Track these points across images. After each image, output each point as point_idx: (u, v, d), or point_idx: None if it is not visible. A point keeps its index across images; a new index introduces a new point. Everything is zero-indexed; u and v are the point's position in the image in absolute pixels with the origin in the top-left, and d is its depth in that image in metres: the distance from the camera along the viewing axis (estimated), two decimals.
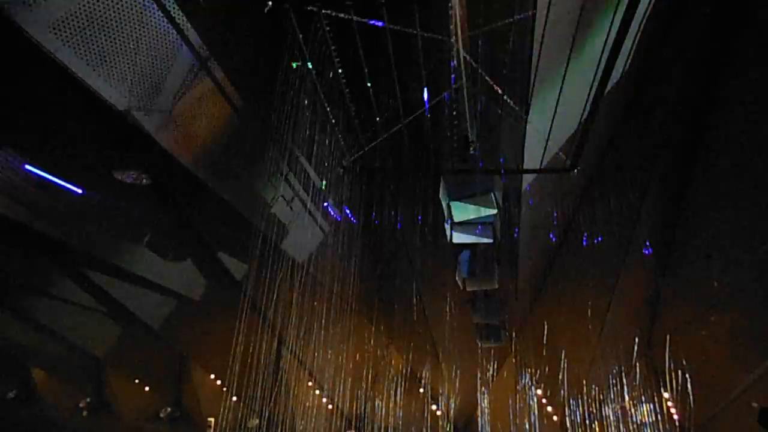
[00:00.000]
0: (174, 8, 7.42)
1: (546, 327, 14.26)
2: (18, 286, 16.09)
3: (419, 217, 11.25)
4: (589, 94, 6.50)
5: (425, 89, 7.17)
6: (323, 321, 11.68)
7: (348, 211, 11.37)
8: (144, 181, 10.39)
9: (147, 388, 23.83)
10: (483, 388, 16.65)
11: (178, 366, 23.04)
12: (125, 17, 7.10)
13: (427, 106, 7.45)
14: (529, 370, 15.85)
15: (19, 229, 11.44)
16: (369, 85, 7.14)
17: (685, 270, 12.29)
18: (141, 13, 7.23)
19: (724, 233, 10.79)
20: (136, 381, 23.73)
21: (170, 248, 14.25)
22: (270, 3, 6.03)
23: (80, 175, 11.03)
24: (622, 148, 10.40)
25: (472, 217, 9.11)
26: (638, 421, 14.71)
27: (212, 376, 21.52)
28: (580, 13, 5.41)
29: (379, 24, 6.01)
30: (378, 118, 7.64)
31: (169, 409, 23.48)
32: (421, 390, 17.98)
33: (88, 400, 24.33)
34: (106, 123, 9.19)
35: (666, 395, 14.34)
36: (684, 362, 13.48)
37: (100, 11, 6.80)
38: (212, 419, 20.16)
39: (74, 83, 7.05)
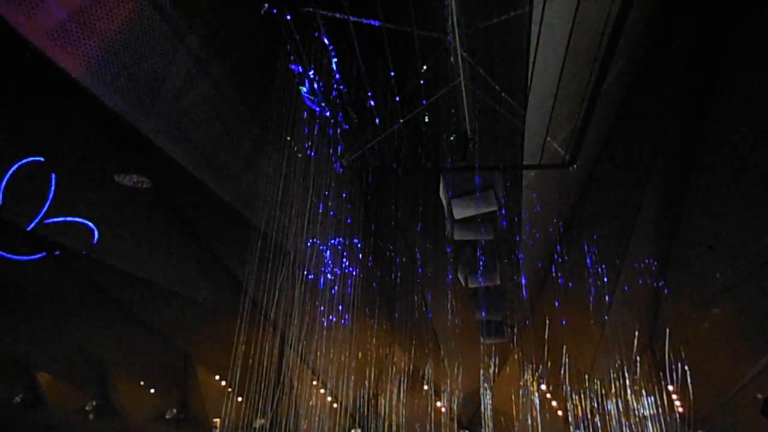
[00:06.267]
0: (171, 11, 7.42)
1: (548, 322, 14.24)
2: (22, 290, 16.12)
3: (420, 214, 11.25)
4: (587, 88, 6.49)
5: (422, 87, 7.16)
6: (325, 320, 11.68)
7: (349, 209, 11.36)
8: (145, 184, 10.42)
9: (152, 390, 23.89)
10: (486, 384, 16.65)
11: (183, 368, 23.09)
12: (123, 21, 7.11)
13: (425, 103, 7.45)
14: (532, 365, 15.84)
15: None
16: (366, 84, 7.14)
17: (687, 262, 12.25)
18: (139, 16, 7.23)
19: (727, 224, 10.75)
20: (142, 383, 23.79)
21: (173, 250, 14.26)
22: (266, 5, 6.03)
23: (81, 179, 11.05)
24: (623, 142, 10.36)
25: (472, 213, 9.09)
26: (641, 414, 14.69)
27: (217, 377, 21.56)
28: (576, 6, 5.40)
29: (375, 23, 6.00)
30: (377, 117, 7.64)
31: (174, 411, 23.54)
32: (425, 387, 17.99)
33: (95, 402, 24.38)
34: (105, 126, 9.21)
35: (669, 388, 14.33)
36: (686, 355, 13.46)
37: (98, 15, 6.81)
38: (218, 420, 20.20)
39: (73, 88, 7.06)
